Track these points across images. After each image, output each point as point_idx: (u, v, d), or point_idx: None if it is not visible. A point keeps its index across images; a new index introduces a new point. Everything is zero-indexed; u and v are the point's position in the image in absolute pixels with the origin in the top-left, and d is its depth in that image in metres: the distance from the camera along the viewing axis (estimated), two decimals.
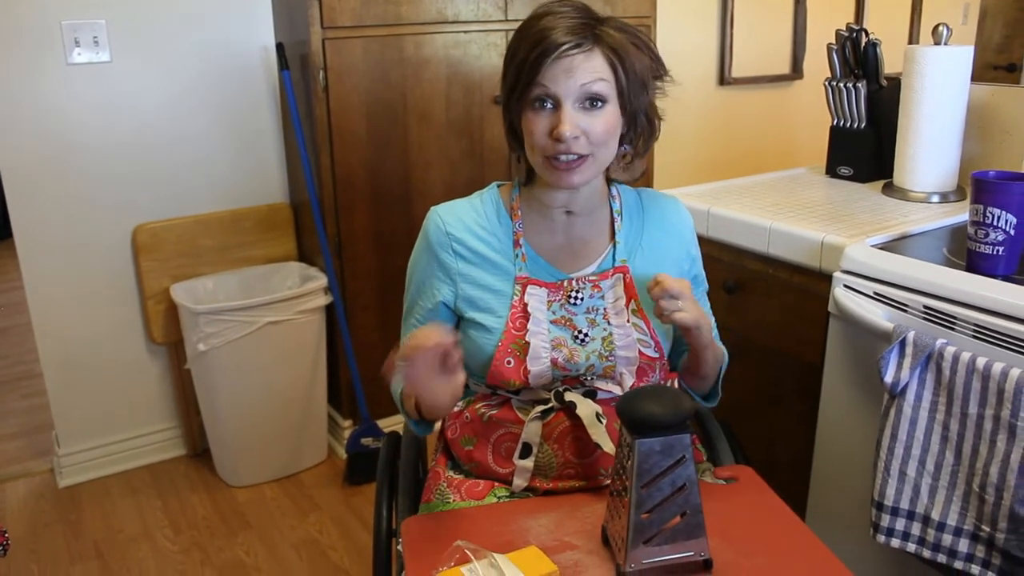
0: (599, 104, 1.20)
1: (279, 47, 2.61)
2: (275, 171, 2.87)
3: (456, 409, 1.40)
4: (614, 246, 1.34)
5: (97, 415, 2.75)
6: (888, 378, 1.33)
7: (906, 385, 1.32)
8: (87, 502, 2.65)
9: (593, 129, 1.19)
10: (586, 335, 1.30)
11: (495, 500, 1.32)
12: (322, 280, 2.65)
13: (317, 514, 2.55)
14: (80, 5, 2.44)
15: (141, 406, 2.82)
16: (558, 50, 1.16)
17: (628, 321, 1.31)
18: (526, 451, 1.31)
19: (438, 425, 1.44)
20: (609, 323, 1.30)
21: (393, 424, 2.78)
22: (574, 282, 1.31)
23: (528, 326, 1.27)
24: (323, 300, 2.65)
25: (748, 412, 1.86)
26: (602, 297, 1.31)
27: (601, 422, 1.27)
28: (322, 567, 2.31)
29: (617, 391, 1.32)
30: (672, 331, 1.37)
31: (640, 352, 1.30)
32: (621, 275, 1.32)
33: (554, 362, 1.28)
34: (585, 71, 1.18)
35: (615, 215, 1.35)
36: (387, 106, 2.58)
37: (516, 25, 1.26)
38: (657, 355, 1.32)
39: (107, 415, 2.77)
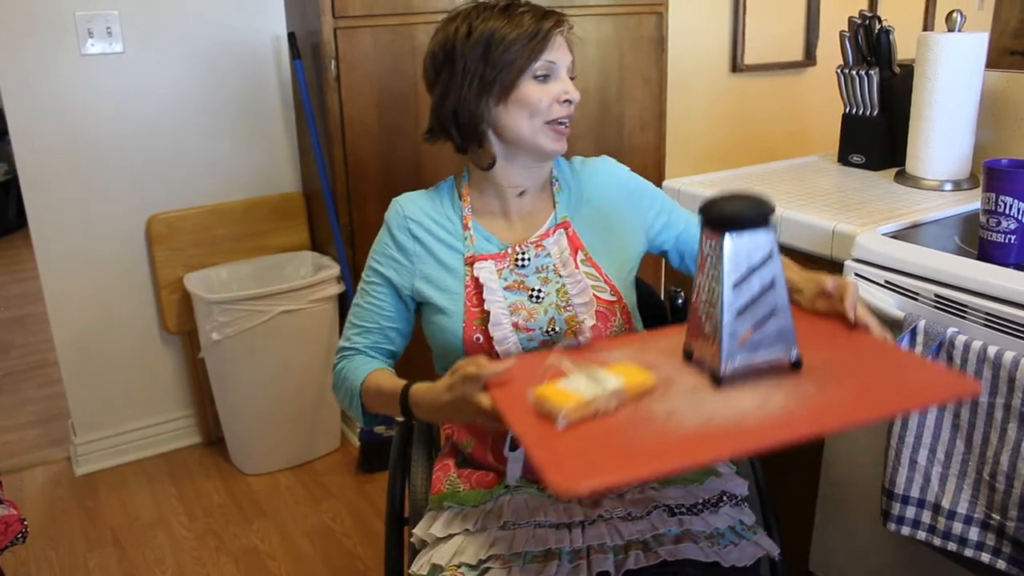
0: (574, 76, 1.37)
1: (291, 37, 2.61)
2: (287, 161, 2.88)
3: None
4: (555, 207, 1.43)
5: (113, 404, 2.78)
6: None
7: None
8: (103, 490, 2.68)
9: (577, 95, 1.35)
10: (540, 291, 1.36)
11: (504, 489, 1.33)
12: (335, 269, 2.66)
13: (331, 502, 2.57)
14: None
15: (156, 395, 2.85)
16: (553, 30, 1.31)
17: (578, 269, 1.37)
18: (514, 442, 1.32)
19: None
20: (560, 276, 1.37)
21: None
22: (518, 247, 1.38)
23: (484, 296, 1.34)
24: (336, 289, 2.66)
25: None
26: (548, 255, 1.38)
27: None
28: (335, 555, 2.33)
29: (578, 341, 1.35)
30: (632, 276, 1.45)
31: (596, 296, 1.36)
32: (563, 230, 1.40)
33: (515, 325, 1.33)
34: (567, 47, 1.35)
35: (553, 183, 1.45)
36: (398, 96, 2.58)
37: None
38: (614, 298, 1.38)
39: (122, 404, 2.79)
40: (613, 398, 1.02)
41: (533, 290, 1.35)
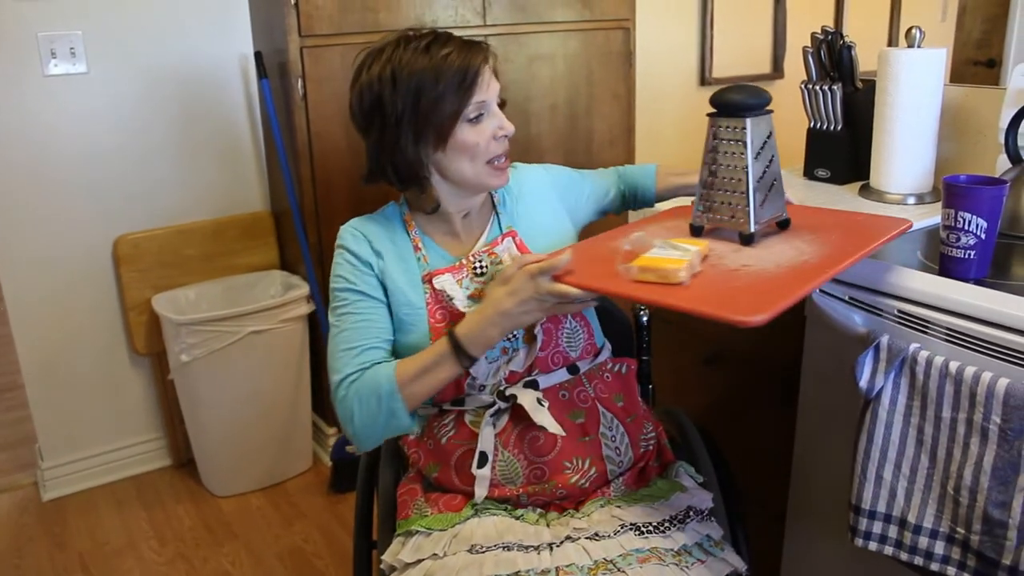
0: (504, 102, 1.39)
1: (257, 56, 2.60)
2: (256, 179, 2.86)
3: (412, 437, 1.44)
4: (497, 216, 1.46)
5: (80, 427, 2.74)
6: (863, 383, 1.34)
7: (881, 389, 1.33)
8: (72, 515, 2.64)
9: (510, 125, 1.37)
10: None
11: (472, 512, 1.33)
12: (304, 288, 2.64)
13: (302, 522, 2.55)
14: (57, 16, 2.43)
15: (125, 417, 2.81)
16: (481, 67, 1.31)
17: None
18: (483, 460, 1.34)
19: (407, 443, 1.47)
20: None
21: None
22: (471, 256, 1.40)
23: (452, 304, 1.34)
24: (306, 308, 2.64)
25: (726, 417, 1.86)
26: (500, 262, 1.40)
27: (543, 405, 1.33)
28: (307, 575, 2.31)
29: (555, 380, 1.38)
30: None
31: None
32: (511, 238, 1.44)
33: None
34: (494, 77, 1.35)
35: (493, 197, 1.49)
36: None
37: (496, 30, 1.33)
38: None
39: (91, 427, 2.76)
40: (698, 257, 1.21)
41: None
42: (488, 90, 1.32)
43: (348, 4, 2.46)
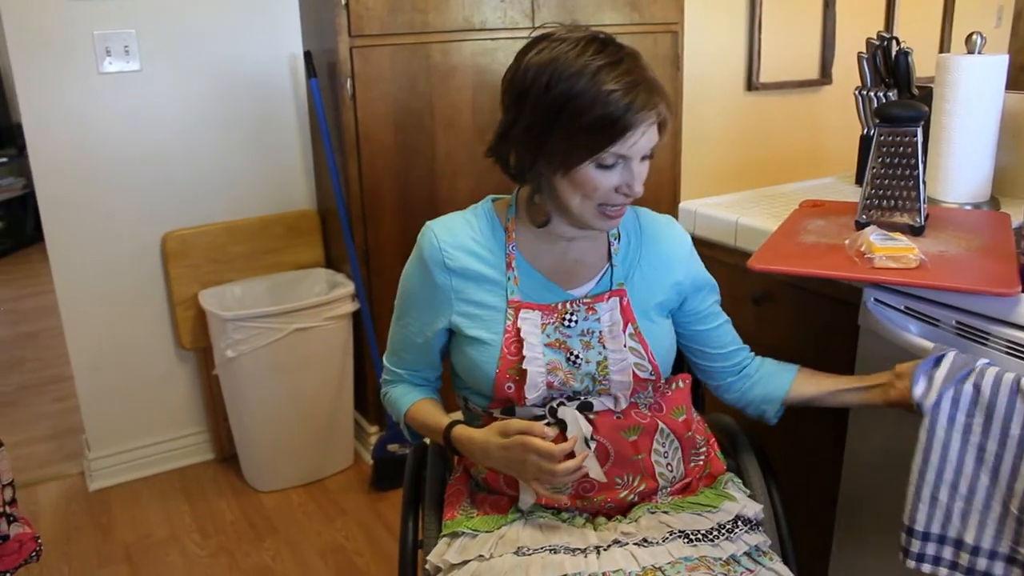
0: (651, 156, 1.24)
1: (307, 55, 2.63)
2: (303, 178, 2.88)
3: None
4: (611, 268, 1.35)
5: (127, 419, 2.78)
6: (918, 393, 1.31)
7: (938, 404, 1.30)
8: (117, 506, 2.68)
9: (644, 177, 1.24)
10: (580, 357, 1.30)
11: (518, 514, 1.32)
12: (349, 287, 2.66)
13: (343, 520, 2.56)
14: (112, 15, 2.47)
15: (170, 411, 2.85)
16: (639, 121, 1.17)
17: (625, 345, 1.31)
18: None
19: None
20: (604, 347, 1.30)
21: None
22: (568, 304, 1.32)
23: (523, 352, 1.28)
24: (350, 307, 2.66)
25: (776, 428, 1.84)
26: (597, 319, 1.32)
27: (589, 447, 1.29)
28: (348, 573, 2.32)
29: (611, 404, 1.32)
30: (673, 354, 1.40)
31: (635, 375, 1.30)
32: (618, 298, 1.33)
33: (549, 384, 1.29)
34: (655, 132, 1.21)
35: (611, 237, 1.37)
36: (414, 114, 2.59)
37: (533, 33, 1.26)
38: (653, 377, 1.33)
39: (136, 419, 2.80)
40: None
41: (573, 353, 1.30)
42: (634, 145, 1.18)
43: (397, 4, 2.47)
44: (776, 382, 1.46)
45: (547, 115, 1.18)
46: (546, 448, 1.18)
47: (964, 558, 1.30)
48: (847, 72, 3.56)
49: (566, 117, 1.17)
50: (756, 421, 1.54)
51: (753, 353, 1.51)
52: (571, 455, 1.22)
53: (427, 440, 1.54)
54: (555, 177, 1.23)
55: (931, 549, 1.33)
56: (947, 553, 1.32)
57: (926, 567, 1.34)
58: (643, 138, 1.19)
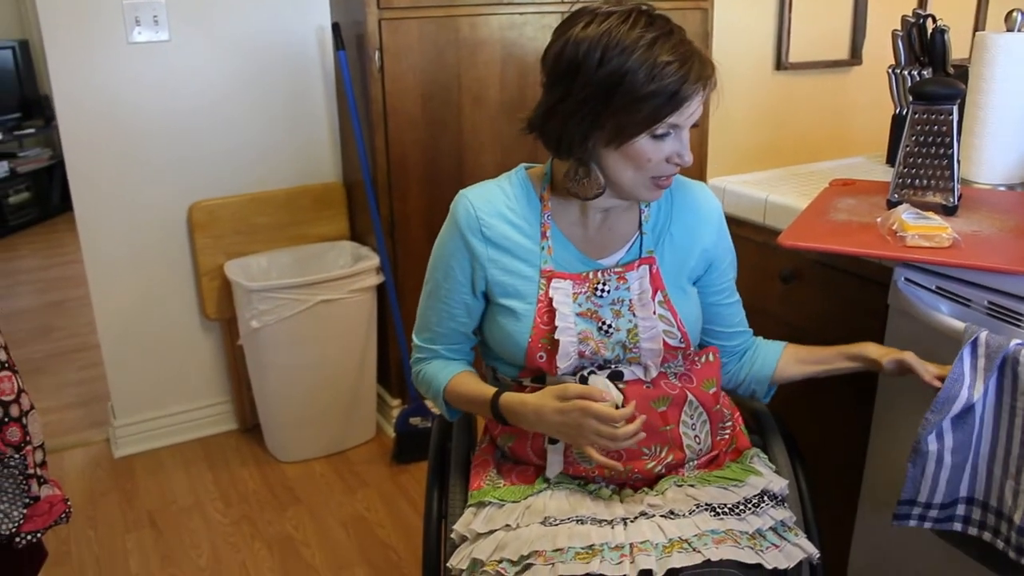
0: (697, 124, 1.27)
1: (335, 27, 2.62)
2: (329, 150, 2.89)
3: None
4: (641, 236, 1.36)
5: (152, 388, 2.81)
6: (964, 393, 1.28)
7: (985, 393, 1.27)
8: (141, 472, 2.71)
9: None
10: (611, 326, 1.31)
11: (545, 484, 1.33)
12: (374, 260, 2.67)
13: (365, 491, 2.58)
14: None
15: (194, 380, 2.87)
16: (696, 92, 1.20)
17: (654, 313, 1.32)
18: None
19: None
20: (635, 315, 1.31)
21: None
22: (600, 274, 1.33)
23: (555, 322, 1.29)
24: (375, 280, 2.67)
25: (801, 407, 1.83)
26: (628, 288, 1.33)
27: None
28: (369, 544, 2.34)
29: (641, 374, 1.33)
30: (701, 322, 1.41)
31: (665, 343, 1.31)
32: (648, 266, 1.34)
33: (581, 354, 1.30)
34: (702, 102, 1.24)
35: (642, 205, 1.37)
36: (442, 87, 2.58)
37: (570, 7, 1.26)
38: (682, 345, 1.33)
39: (161, 388, 2.83)
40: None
41: (604, 322, 1.31)
42: (689, 115, 1.21)
43: None
44: (764, 361, 1.49)
45: (601, 90, 1.18)
46: (608, 413, 1.18)
47: (990, 519, 1.30)
48: (877, 53, 3.51)
49: (622, 91, 1.17)
50: (776, 399, 1.53)
51: (753, 336, 1.53)
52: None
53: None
54: (607, 151, 1.23)
55: (961, 510, 1.34)
56: (976, 514, 1.33)
57: (957, 526, 1.34)
58: (693, 110, 1.21)
